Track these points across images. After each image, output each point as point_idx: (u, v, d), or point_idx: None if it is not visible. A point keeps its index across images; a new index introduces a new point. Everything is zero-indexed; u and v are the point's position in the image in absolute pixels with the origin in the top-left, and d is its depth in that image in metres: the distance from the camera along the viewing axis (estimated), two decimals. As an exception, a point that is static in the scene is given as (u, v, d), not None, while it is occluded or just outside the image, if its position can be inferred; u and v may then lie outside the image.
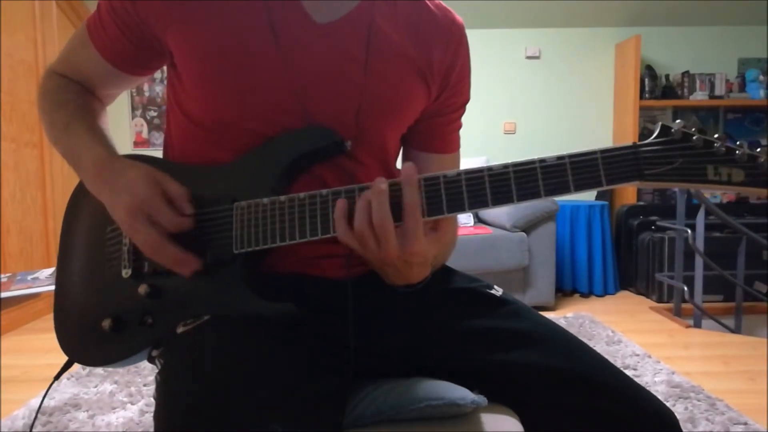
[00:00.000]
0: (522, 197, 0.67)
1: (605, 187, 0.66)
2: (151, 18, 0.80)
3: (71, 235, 0.90)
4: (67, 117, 0.86)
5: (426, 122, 0.91)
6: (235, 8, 0.79)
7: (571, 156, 0.66)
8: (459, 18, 0.91)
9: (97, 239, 0.85)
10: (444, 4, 0.91)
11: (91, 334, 0.81)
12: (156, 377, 0.71)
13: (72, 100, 0.88)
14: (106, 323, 0.78)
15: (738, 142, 0.64)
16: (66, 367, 0.86)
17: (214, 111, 0.80)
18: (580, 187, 0.66)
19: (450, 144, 0.95)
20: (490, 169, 0.68)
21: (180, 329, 0.73)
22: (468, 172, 0.69)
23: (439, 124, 0.92)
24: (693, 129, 0.65)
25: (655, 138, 0.66)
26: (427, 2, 0.89)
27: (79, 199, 0.91)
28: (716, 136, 0.64)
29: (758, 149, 0.64)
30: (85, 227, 0.89)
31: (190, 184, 0.78)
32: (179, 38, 0.80)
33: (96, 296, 0.83)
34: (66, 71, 0.92)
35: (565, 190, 0.67)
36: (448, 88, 0.89)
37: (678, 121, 0.66)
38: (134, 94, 4.49)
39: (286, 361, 0.70)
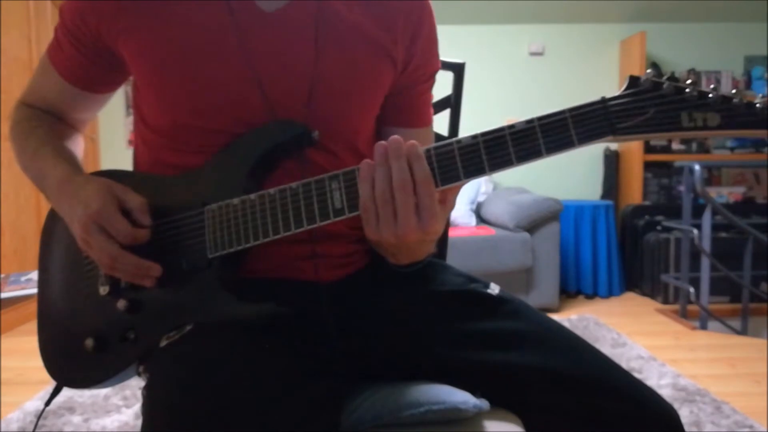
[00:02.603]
0: (494, 167, 0.66)
1: (577, 147, 0.64)
2: (102, 28, 0.80)
3: (48, 257, 0.90)
4: (36, 143, 0.86)
5: (395, 97, 0.88)
6: (183, 9, 0.78)
7: (540, 118, 0.64)
8: None
9: (73, 259, 0.85)
10: None
11: (76, 356, 0.81)
12: (142, 392, 0.71)
13: (40, 126, 0.89)
14: (89, 343, 0.78)
15: (712, 86, 0.63)
16: (56, 392, 0.85)
17: (173, 116, 0.80)
18: (551, 150, 0.64)
19: (422, 116, 0.93)
20: (485, 134, 0.66)
21: (163, 342, 0.73)
22: (436, 146, 0.67)
23: (408, 97, 0.90)
24: (663, 77, 0.63)
25: (624, 90, 0.64)
26: None
27: (55, 219, 0.90)
28: (688, 81, 0.63)
29: (760, 95, 0.63)
30: (61, 247, 0.88)
31: (159, 192, 0.78)
32: (131, 46, 0.80)
33: (76, 317, 0.83)
34: (33, 101, 0.93)
35: (537, 154, 0.65)
36: (415, 57, 0.87)
37: (648, 70, 0.64)
38: (129, 93, 4.45)
39: (274, 368, 0.69)
